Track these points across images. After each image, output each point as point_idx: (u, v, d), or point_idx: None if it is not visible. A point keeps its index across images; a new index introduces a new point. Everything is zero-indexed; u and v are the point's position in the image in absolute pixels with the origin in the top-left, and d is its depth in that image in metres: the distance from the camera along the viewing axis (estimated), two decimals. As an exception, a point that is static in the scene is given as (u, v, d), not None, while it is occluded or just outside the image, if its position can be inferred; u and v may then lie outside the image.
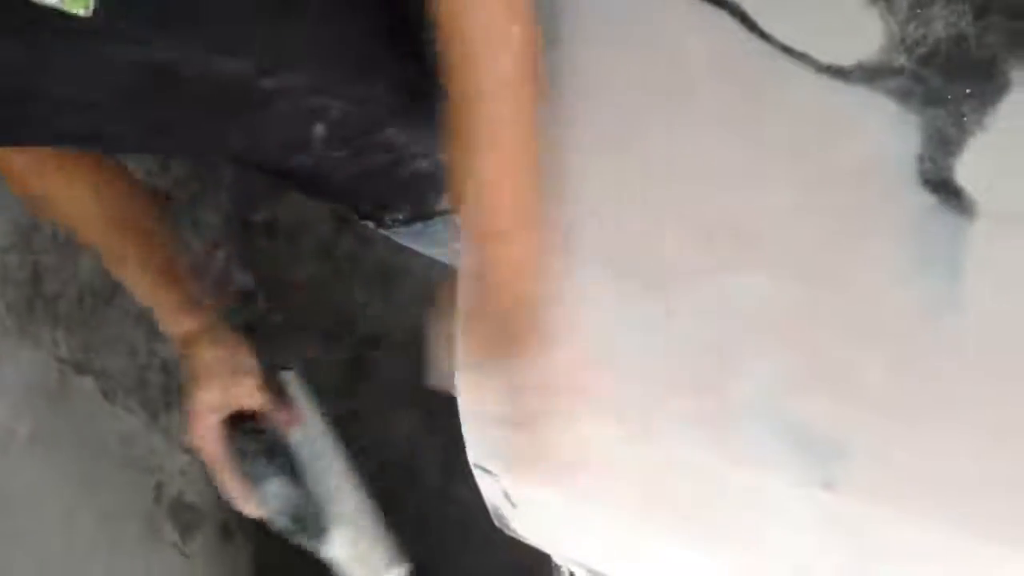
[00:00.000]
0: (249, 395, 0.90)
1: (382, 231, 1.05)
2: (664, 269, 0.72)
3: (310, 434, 0.90)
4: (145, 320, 2.26)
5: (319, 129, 0.78)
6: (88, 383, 2.27)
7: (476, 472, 0.82)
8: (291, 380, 0.90)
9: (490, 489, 0.82)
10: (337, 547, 0.88)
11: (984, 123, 0.62)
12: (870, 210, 0.65)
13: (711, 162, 0.70)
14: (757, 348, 0.68)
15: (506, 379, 0.73)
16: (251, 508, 0.91)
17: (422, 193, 0.92)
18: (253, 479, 0.89)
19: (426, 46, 0.73)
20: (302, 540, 0.89)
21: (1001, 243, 0.60)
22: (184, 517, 2.12)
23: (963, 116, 0.63)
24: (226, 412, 0.90)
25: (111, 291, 2.24)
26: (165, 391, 2.23)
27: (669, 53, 0.73)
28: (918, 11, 0.65)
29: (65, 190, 0.87)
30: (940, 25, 0.64)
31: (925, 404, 0.63)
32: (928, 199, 0.63)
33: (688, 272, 0.70)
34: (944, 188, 0.63)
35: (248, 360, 0.92)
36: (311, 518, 0.88)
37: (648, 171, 0.73)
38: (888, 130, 0.64)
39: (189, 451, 2.27)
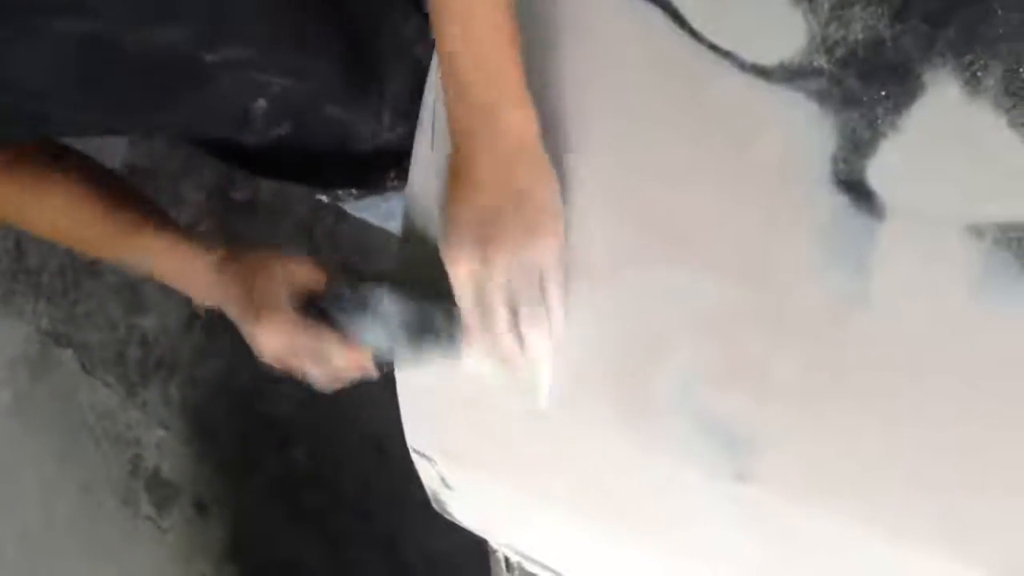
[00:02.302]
0: (306, 269, 0.80)
1: (337, 203, 1.07)
2: (591, 260, 0.73)
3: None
4: (125, 294, 2.26)
5: (260, 104, 0.79)
6: (68, 355, 2.28)
7: (414, 456, 0.84)
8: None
9: (427, 473, 0.84)
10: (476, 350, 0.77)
11: (897, 125, 0.63)
12: (787, 208, 0.66)
13: (639, 156, 0.72)
14: (678, 342, 0.69)
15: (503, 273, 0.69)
16: (362, 357, 0.79)
17: (368, 171, 0.93)
18: (350, 320, 0.78)
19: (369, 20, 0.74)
20: (437, 351, 0.76)
21: (907, 244, 0.62)
22: (160, 491, 2.15)
23: (877, 118, 0.64)
24: (291, 297, 0.79)
25: (93, 265, 2.24)
26: (142, 365, 2.24)
27: (606, 49, 0.74)
28: (839, 13, 0.66)
29: (36, 210, 0.81)
30: (859, 27, 0.65)
31: (833, 399, 0.64)
32: (841, 199, 0.64)
33: (614, 264, 0.72)
34: (856, 189, 0.64)
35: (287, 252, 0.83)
36: (438, 318, 0.75)
37: (580, 163, 0.74)
38: (806, 130, 0.66)
39: (166, 426, 2.28)
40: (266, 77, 0.77)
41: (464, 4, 0.66)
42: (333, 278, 0.79)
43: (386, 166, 0.92)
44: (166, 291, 2.21)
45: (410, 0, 0.87)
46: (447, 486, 0.83)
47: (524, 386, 0.75)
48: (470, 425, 0.80)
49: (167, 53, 0.71)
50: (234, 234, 2.07)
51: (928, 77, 0.62)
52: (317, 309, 0.79)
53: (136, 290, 2.19)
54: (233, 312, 0.81)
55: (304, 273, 0.79)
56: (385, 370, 0.81)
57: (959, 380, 0.60)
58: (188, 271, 0.82)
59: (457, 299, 0.72)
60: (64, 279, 2.33)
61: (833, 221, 0.65)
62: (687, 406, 0.70)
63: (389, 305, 0.76)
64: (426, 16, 0.79)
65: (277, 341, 0.78)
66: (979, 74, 0.61)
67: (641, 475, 0.72)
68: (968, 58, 0.61)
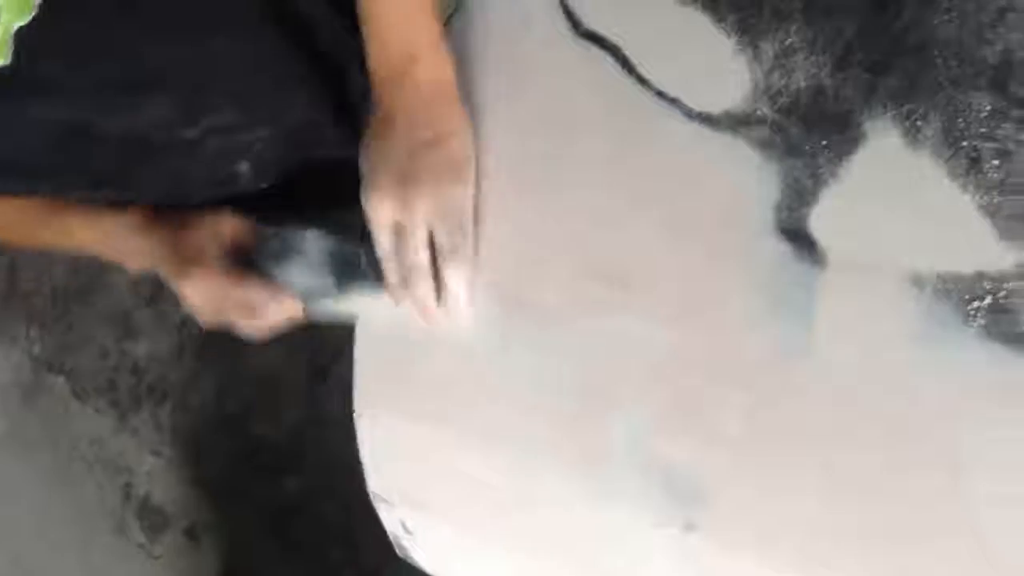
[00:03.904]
0: (232, 221, 0.79)
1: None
2: (543, 305, 0.73)
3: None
4: (116, 320, 2.26)
5: (243, 166, 0.79)
6: (60, 382, 2.29)
7: (374, 500, 0.84)
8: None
9: (388, 518, 0.84)
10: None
11: (838, 175, 0.63)
12: (731, 256, 0.66)
13: (588, 202, 0.72)
14: (628, 390, 0.69)
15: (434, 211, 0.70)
16: (290, 301, 0.78)
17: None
18: (275, 263, 0.77)
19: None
20: (363, 290, 0.77)
21: (848, 293, 0.62)
22: (151, 519, 2.14)
23: (819, 167, 0.64)
24: (218, 250, 0.78)
25: (84, 291, 2.25)
26: (134, 393, 2.24)
27: (552, 92, 0.74)
28: (782, 61, 0.66)
29: None
30: (801, 76, 0.65)
31: (776, 450, 0.64)
32: (784, 247, 0.64)
33: (564, 311, 0.72)
34: (798, 237, 0.64)
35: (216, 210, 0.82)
36: (363, 256, 0.75)
37: (532, 207, 0.74)
38: (750, 179, 0.66)
39: (157, 453, 2.28)
40: (251, 135, 0.78)
41: None
42: (259, 229, 0.79)
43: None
44: (158, 318, 2.21)
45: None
46: (407, 531, 0.83)
47: (438, 326, 0.76)
48: (428, 469, 0.80)
49: (148, 129, 0.71)
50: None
51: (869, 126, 0.62)
52: (246, 260, 0.79)
53: (128, 316, 2.19)
54: (163, 272, 0.81)
55: (230, 225, 0.79)
56: (314, 317, 0.81)
57: (898, 432, 0.60)
58: (112, 238, 0.81)
59: (376, 243, 0.73)
60: (56, 305, 2.34)
61: (776, 270, 0.64)
62: (638, 455, 0.69)
63: (313, 245, 0.76)
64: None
65: (204, 295, 0.79)
66: (919, 124, 0.61)
67: (596, 523, 0.72)
68: (908, 107, 0.61)
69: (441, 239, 0.70)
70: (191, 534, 2.16)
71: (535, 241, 0.74)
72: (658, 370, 0.68)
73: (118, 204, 0.81)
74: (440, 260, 0.71)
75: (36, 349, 2.38)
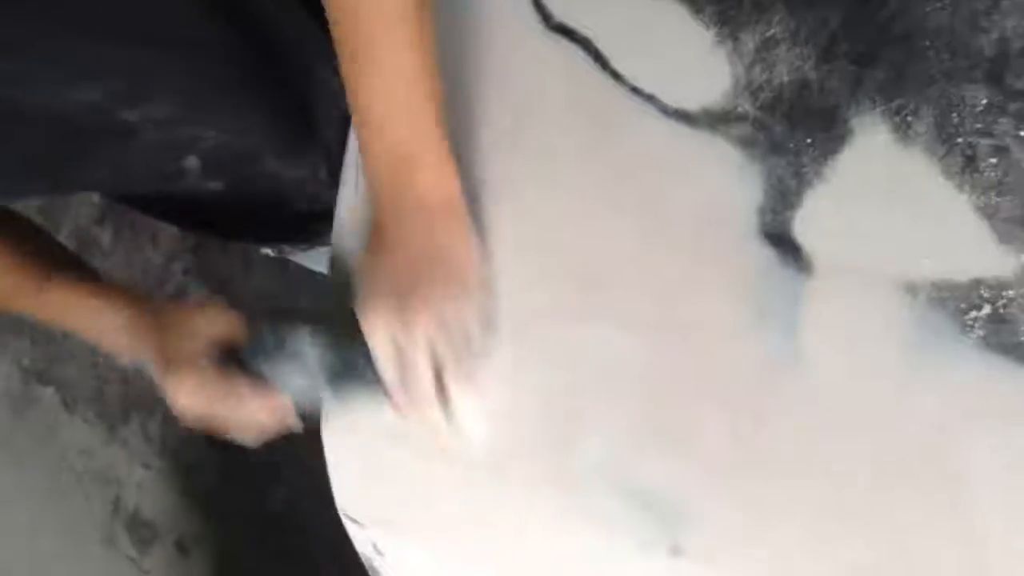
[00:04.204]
0: (223, 319, 0.74)
1: (282, 255, 1.03)
2: (511, 314, 0.68)
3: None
4: None
5: (192, 161, 0.76)
6: (49, 393, 2.26)
7: (344, 521, 0.80)
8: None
9: (359, 539, 0.80)
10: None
11: (823, 174, 0.59)
12: (711, 262, 0.61)
13: (561, 203, 0.67)
14: (602, 404, 0.65)
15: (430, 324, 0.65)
16: (283, 405, 0.73)
17: (306, 225, 0.89)
18: (268, 365, 0.72)
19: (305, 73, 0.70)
20: (361, 396, 0.72)
21: (836, 301, 0.57)
22: (141, 531, 2.11)
23: (803, 166, 0.59)
24: (208, 349, 0.73)
25: None
26: (123, 403, 2.21)
27: (524, 88, 0.70)
28: (763, 54, 0.61)
29: None
30: (784, 69, 0.60)
31: (763, 465, 0.60)
32: (768, 253, 0.60)
33: (531, 320, 0.67)
34: (782, 242, 0.60)
35: (202, 303, 0.78)
36: (361, 360, 0.70)
37: (496, 210, 0.69)
38: (730, 179, 0.61)
39: (147, 465, 2.25)
40: (197, 132, 0.74)
41: (375, 56, 0.62)
42: (252, 326, 0.74)
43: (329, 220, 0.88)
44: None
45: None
46: (378, 552, 0.78)
47: (450, 445, 0.70)
48: (398, 490, 0.76)
49: (79, 112, 0.67)
50: (210, 269, 2.03)
51: (856, 122, 0.58)
52: (238, 360, 0.73)
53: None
54: (151, 370, 0.76)
55: (221, 323, 0.74)
56: (309, 421, 0.76)
57: (892, 449, 0.55)
58: (100, 330, 0.77)
59: (376, 365, 0.67)
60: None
61: (759, 277, 0.60)
62: (615, 475, 0.65)
63: (309, 348, 0.71)
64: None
65: (192, 396, 0.72)
66: (909, 119, 0.56)
67: (575, 547, 0.68)
68: (898, 102, 0.57)
69: (444, 357, 0.65)
70: (180, 546, 2.13)
71: (505, 245, 0.69)
72: (633, 384, 0.64)
73: (66, 192, 0.78)
74: (444, 377, 0.66)
75: (26, 360, 2.35)
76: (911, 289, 0.55)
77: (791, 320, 0.59)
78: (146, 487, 2.20)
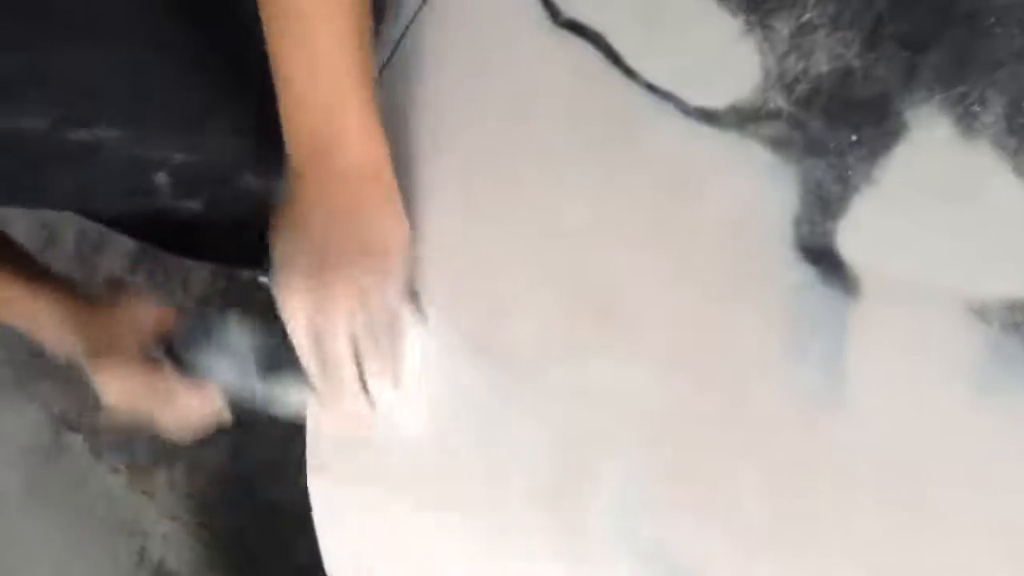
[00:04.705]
0: (154, 311, 0.72)
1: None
2: (515, 352, 0.59)
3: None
4: None
5: (162, 178, 0.69)
6: (78, 441, 2.24)
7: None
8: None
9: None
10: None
11: (872, 176, 0.49)
12: (738, 285, 0.52)
13: (567, 221, 0.58)
14: (613, 451, 0.55)
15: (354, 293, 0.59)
16: (212, 395, 0.70)
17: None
18: (196, 355, 0.70)
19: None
20: (291, 386, 0.68)
21: (887, 326, 0.47)
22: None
23: (848, 169, 0.50)
24: (137, 340, 0.72)
25: None
26: (150, 452, 2.17)
27: (530, 89, 0.61)
28: (798, 41, 0.52)
29: None
30: (823, 57, 0.51)
31: (800, 526, 0.49)
32: (805, 272, 0.50)
33: (538, 357, 0.58)
34: (824, 258, 0.50)
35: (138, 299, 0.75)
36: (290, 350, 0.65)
37: (503, 230, 0.61)
38: (761, 186, 0.52)
39: (173, 516, 2.20)
40: (161, 151, 0.67)
41: (302, 26, 0.56)
42: (181, 317, 0.71)
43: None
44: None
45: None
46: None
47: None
48: (390, 545, 0.66)
49: (31, 139, 0.62)
50: (171, 277, 2.01)
51: (910, 115, 0.48)
52: (167, 352, 0.70)
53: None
54: (84, 364, 0.73)
55: (152, 316, 0.71)
56: (239, 412, 0.71)
57: (959, 511, 0.45)
58: (33, 322, 0.74)
59: (296, 351, 0.61)
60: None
61: (796, 300, 0.50)
62: (627, 532, 0.56)
63: (237, 337, 0.67)
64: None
65: (119, 386, 0.70)
66: (975, 108, 0.47)
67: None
68: (960, 89, 0.47)
69: (364, 343, 0.59)
70: (204, 603, 2.06)
71: (506, 272, 0.60)
72: (649, 429, 0.54)
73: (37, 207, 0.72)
74: (364, 365, 0.60)
75: (56, 408, 2.33)
76: (981, 312, 0.45)
77: (834, 352, 0.49)
78: (172, 539, 2.15)
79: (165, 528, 2.17)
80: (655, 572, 0.54)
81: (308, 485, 0.71)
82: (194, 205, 0.74)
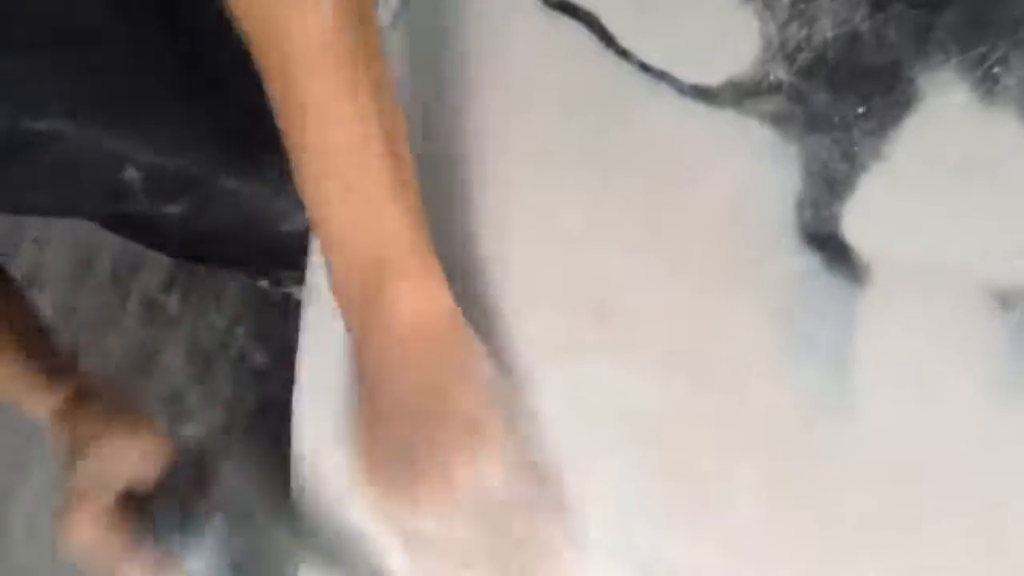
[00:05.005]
0: (141, 461, 0.64)
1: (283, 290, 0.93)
2: (511, 348, 0.54)
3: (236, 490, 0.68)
4: (169, 404, 2.22)
5: (131, 173, 0.65)
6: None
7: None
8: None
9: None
10: None
11: (881, 152, 0.44)
12: (737, 275, 0.47)
13: (560, 214, 0.54)
14: (610, 451, 0.50)
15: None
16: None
17: (294, 252, 0.78)
18: (175, 537, 0.64)
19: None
20: None
21: (899, 317, 0.42)
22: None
23: (854, 144, 0.44)
24: (114, 490, 0.64)
25: (139, 371, 2.22)
26: (185, 475, 2.14)
27: (521, 74, 0.57)
28: (801, 7, 0.47)
29: None
30: (828, 22, 0.46)
31: (804, 538, 0.43)
32: (809, 259, 0.45)
33: (535, 358, 0.53)
34: (829, 244, 0.44)
35: (136, 421, 0.66)
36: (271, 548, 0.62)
37: (502, 223, 0.56)
38: (760, 167, 0.47)
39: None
40: (125, 145, 0.64)
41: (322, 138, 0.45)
42: (168, 483, 0.63)
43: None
44: (207, 398, 2.13)
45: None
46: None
47: None
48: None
49: None
50: (269, 335, 1.97)
51: (924, 80, 0.43)
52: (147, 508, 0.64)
53: (179, 399, 2.14)
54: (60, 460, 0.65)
55: (142, 461, 0.61)
56: None
57: (977, 519, 0.39)
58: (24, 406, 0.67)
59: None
60: (112, 386, 2.28)
61: (800, 291, 0.45)
62: (624, 534, 0.50)
63: (210, 531, 0.61)
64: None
65: (84, 534, 0.60)
66: (996, 70, 0.41)
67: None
68: (980, 50, 0.42)
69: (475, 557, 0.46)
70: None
71: (503, 272, 0.56)
72: (651, 434, 0.49)
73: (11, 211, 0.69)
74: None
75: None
76: (1003, 299, 0.39)
77: (841, 347, 0.43)
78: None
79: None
80: (652, 574, 0.49)
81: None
82: (175, 209, 0.70)
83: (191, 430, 2.20)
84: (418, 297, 0.45)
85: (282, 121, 0.44)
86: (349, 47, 0.43)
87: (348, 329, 0.47)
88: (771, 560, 0.45)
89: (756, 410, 0.46)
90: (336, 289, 0.47)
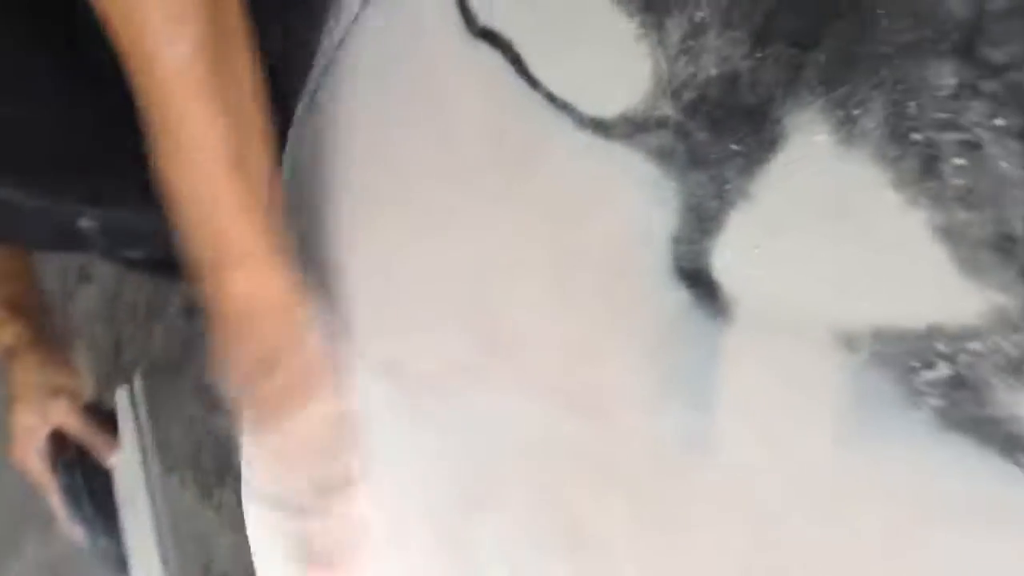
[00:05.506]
0: (65, 415, 0.81)
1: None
2: (420, 378, 0.56)
3: (128, 462, 0.79)
4: (203, 393, 2.27)
5: (86, 222, 0.68)
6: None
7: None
8: (122, 399, 0.79)
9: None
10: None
11: (749, 191, 0.44)
12: (618, 310, 0.48)
13: (469, 242, 0.55)
14: (498, 489, 0.52)
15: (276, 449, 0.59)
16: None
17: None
18: (69, 516, 0.82)
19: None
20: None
21: (758, 357, 0.42)
22: (229, 600, 2.06)
23: (726, 182, 0.45)
24: (44, 432, 0.81)
25: (179, 362, 2.27)
26: (218, 467, 2.20)
27: (446, 105, 0.58)
28: (690, 43, 0.47)
29: None
30: (711, 60, 0.47)
31: (668, 567, 0.44)
32: (681, 296, 0.45)
33: (438, 384, 0.55)
34: (699, 280, 0.45)
35: (69, 379, 0.81)
36: (117, 564, 0.79)
37: (413, 252, 0.58)
38: (642, 202, 0.48)
39: (238, 529, 2.22)
40: (65, 203, 0.67)
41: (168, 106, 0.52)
42: (77, 443, 0.79)
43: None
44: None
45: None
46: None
47: None
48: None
49: None
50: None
51: (789, 121, 0.43)
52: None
53: (212, 389, 2.17)
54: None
55: (61, 417, 0.78)
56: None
57: (819, 560, 0.39)
58: None
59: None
60: (153, 377, 2.34)
61: (672, 327, 0.45)
62: (516, 570, 0.51)
63: (84, 530, 0.80)
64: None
65: (19, 461, 0.79)
66: (855, 112, 0.41)
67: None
68: (843, 90, 0.42)
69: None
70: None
71: (413, 295, 0.57)
72: (531, 465, 0.50)
73: None
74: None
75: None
76: (848, 341, 0.40)
77: (704, 385, 0.44)
78: (236, 555, 2.17)
79: (230, 542, 2.19)
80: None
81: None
82: (136, 255, 0.73)
83: (221, 419, 2.26)
84: (251, 285, 0.55)
85: (147, 125, 0.52)
86: (207, 75, 0.50)
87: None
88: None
89: (630, 444, 0.47)
90: (191, 268, 0.56)
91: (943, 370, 0.37)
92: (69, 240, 0.70)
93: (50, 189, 0.65)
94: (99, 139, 0.65)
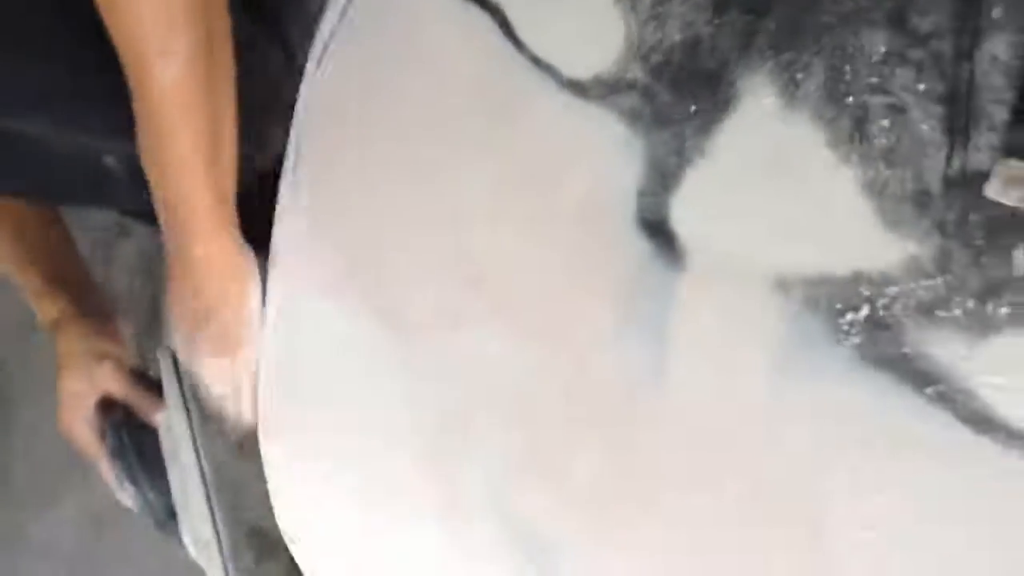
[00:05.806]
0: (111, 380, 0.84)
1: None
2: (409, 319, 0.61)
3: (173, 422, 0.83)
4: None
5: (111, 160, 0.73)
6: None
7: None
8: (163, 361, 0.84)
9: (297, 554, 0.74)
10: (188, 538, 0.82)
11: (705, 149, 0.48)
12: (589, 257, 0.52)
13: (456, 194, 0.60)
14: (486, 425, 0.57)
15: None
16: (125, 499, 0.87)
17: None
18: (117, 477, 0.85)
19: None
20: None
21: (706, 300, 0.47)
22: (259, 542, 2.13)
23: (685, 141, 0.49)
24: (91, 399, 0.84)
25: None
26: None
27: (436, 66, 0.63)
28: (658, 9, 0.52)
29: None
30: (676, 25, 0.51)
31: (629, 495, 0.49)
32: (644, 245, 0.50)
33: (426, 325, 0.60)
34: (659, 231, 0.49)
35: (111, 345, 0.86)
36: (167, 519, 0.81)
37: (405, 202, 0.63)
38: (613, 159, 0.52)
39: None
40: (92, 138, 0.72)
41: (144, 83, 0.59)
42: (130, 404, 0.82)
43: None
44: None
45: (270, 36, 0.79)
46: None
47: None
48: (315, 510, 0.69)
49: None
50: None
51: (742, 84, 0.47)
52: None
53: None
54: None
55: (108, 382, 0.81)
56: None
57: (755, 480, 0.44)
58: (35, 305, 0.84)
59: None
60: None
61: (634, 273, 0.50)
62: (496, 503, 0.56)
63: (134, 494, 0.80)
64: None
65: (66, 430, 0.82)
66: (799, 76, 0.45)
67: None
68: (787, 55, 0.46)
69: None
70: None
71: (404, 243, 0.62)
72: (514, 401, 0.55)
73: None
74: None
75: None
76: (783, 286, 0.44)
77: (659, 327, 0.48)
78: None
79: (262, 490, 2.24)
80: (521, 544, 0.55)
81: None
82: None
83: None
84: (208, 248, 0.65)
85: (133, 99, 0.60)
86: (196, 89, 0.59)
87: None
88: (604, 511, 0.51)
89: (596, 382, 0.51)
90: (162, 226, 0.66)
91: (863, 311, 0.42)
92: (97, 185, 0.75)
93: (78, 123, 0.70)
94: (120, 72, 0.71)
